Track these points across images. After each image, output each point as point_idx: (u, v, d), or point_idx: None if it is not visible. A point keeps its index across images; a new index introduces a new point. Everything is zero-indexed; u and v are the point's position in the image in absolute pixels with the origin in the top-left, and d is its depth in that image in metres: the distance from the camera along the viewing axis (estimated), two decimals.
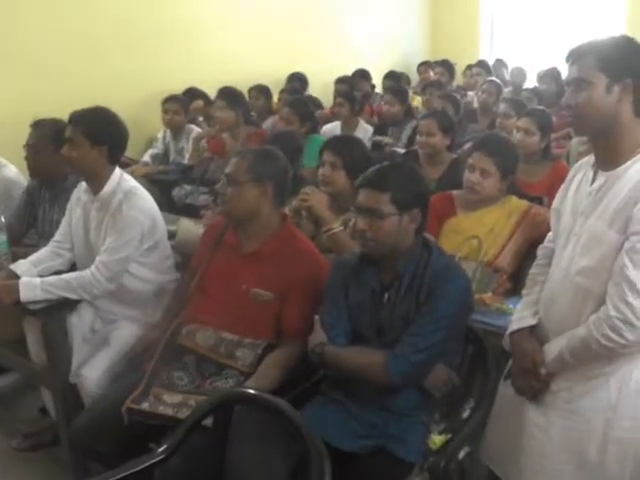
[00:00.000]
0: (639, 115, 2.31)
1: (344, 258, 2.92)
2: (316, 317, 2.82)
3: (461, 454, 2.61)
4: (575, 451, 2.41)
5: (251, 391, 2.60)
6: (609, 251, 2.27)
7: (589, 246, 2.34)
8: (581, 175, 2.50)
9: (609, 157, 2.34)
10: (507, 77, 9.79)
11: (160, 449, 2.36)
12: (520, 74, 9.30)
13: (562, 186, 2.62)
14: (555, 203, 2.63)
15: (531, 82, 8.95)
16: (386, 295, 2.69)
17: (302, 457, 2.31)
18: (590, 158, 2.48)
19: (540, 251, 2.77)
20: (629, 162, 2.29)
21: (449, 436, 2.60)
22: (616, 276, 2.23)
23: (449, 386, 2.71)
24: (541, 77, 8.59)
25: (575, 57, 2.32)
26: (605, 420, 2.36)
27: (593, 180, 2.40)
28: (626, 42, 2.31)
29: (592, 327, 2.28)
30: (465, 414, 2.72)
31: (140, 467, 2.31)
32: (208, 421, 2.50)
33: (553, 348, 2.43)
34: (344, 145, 3.74)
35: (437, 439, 2.56)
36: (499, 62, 10.28)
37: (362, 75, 9.03)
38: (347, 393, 2.73)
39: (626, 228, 2.22)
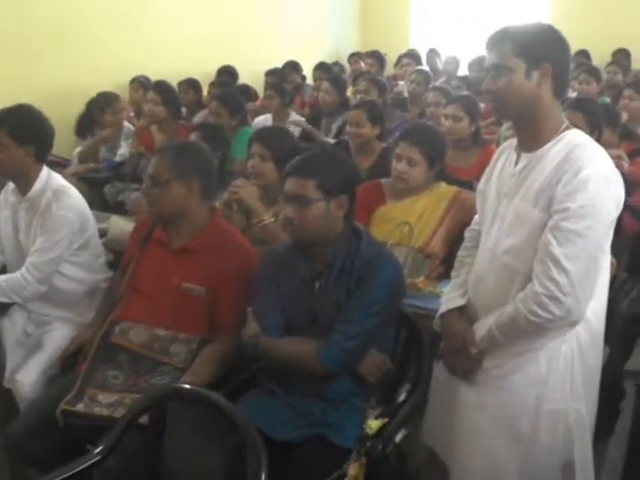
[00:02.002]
0: (559, 97, 2.38)
1: (274, 248, 2.93)
2: (249, 309, 2.82)
3: (398, 437, 2.63)
4: (508, 426, 2.46)
5: (186, 386, 2.58)
6: (534, 230, 2.33)
7: (514, 226, 2.39)
8: (505, 157, 2.55)
9: (531, 139, 2.39)
10: (440, 66, 9.90)
11: (97, 450, 2.32)
12: (453, 63, 9.41)
13: (487, 169, 2.67)
14: (480, 185, 2.68)
15: (465, 71, 9.05)
16: (317, 284, 2.71)
17: (239, 450, 2.31)
18: (513, 141, 2.54)
19: (467, 233, 2.82)
20: (550, 143, 2.35)
21: (385, 420, 2.61)
22: (541, 254, 2.28)
23: (383, 371, 2.73)
24: (471, 65, 8.71)
25: (494, 43, 2.36)
26: (536, 394, 2.42)
27: (516, 162, 2.45)
28: (543, 28, 2.37)
29: (519, 304, 2.33)
30: (401, 397, 2.74)
31: (77, 469, 2.27)
32: (144, 419, 2.48)
33: (482, 327, 2.47)
34: (272, 137, 3.73)
35: (374, 424, 2.57)
36: (432, 52, 10.37)
37: (292, 67, 9.03)
38: (283, 383, 2.74)
39: (549, 207, 2.28)
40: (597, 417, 2.95)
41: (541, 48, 2.31)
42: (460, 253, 2.80)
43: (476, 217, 2.77)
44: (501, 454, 2.47)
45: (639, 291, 3.62)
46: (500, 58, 2.32)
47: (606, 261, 2.42)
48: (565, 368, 2.40)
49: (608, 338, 3.24)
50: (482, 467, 2.50)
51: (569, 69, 2.42)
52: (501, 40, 2.33)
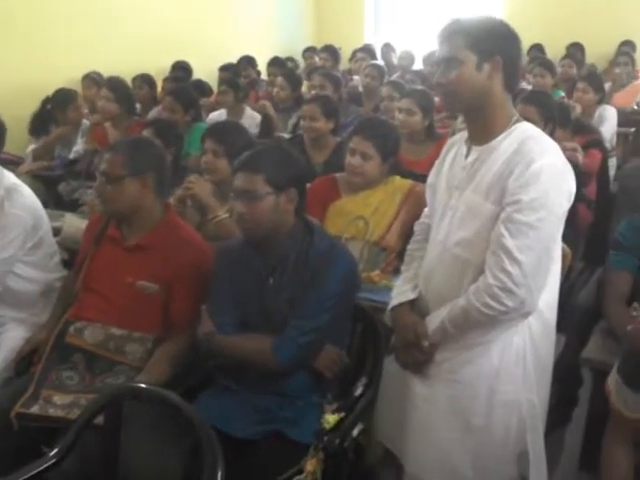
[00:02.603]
0: (510, 91, 2.40)
1: (227, 244, 2.92)
2: (203, 306, 2.81)
3: (355, 431, 2.64)
4: (461, 419, 2.47)
5: (141, 386, 2.55)
6: (485, 222, 2.34)
7: (466, 218, 2.40)
8: (455, 150, 2.56)
9: (482, 132, 2.41)
10: (395, 61, 9.92)
11: (52, 453, 2.30)
12: (408, 57, 9.44)
13: (436, 162, 2.68)
14: (430, 178, 2.68)
15: (420, 65, 9.08)
16: (271, 279, 2.71)
17: (195, 449, 2.30)
18: (464, 134, 2.54)
19: (417, 227, 2.82)
20: (501, 136, 2.37)
21: (343, 414, 2.62)
22: (494, 246, 2.30)
23: (339, 365, 2.74)
24: (425, 60, 8.74)
25: (444, 36, 2.37)
26: (489, 386, 2.43)
27: (467, 155, 2.46)
28: (494, 22, 2.38)
29: (472, 297, 2.34)
30: (358, 391, 2.75)
31: (32, 473, 2.24)
32: (100, 419, 2.46)
33: (434, 320, 2.47)
34: (225, 132, 3.72)
35: (331, 418, 2.57)
36: (387, 46, 10.41)
37: (247, 62, 8.99)
38: (239, 380, 2.73)
39: (501, 199, 2.30)
40: (555, 405, 2.99)
41: (492, 41, 2.32)
42: (410, 247, 2.80)
43: (426, 210, 2.78)
44: (454, 447, 2.47)
45: (595, 281, 3.66)
46: (451, 51, 2.33)
47: (558, 252, 2.44)
48: (517, 359, 2.42)
49: (565, 327, 3.32)
50: (436, 461, 2.51)
51: (520, 62, 2.44)
52: (452, 33, 2.34)
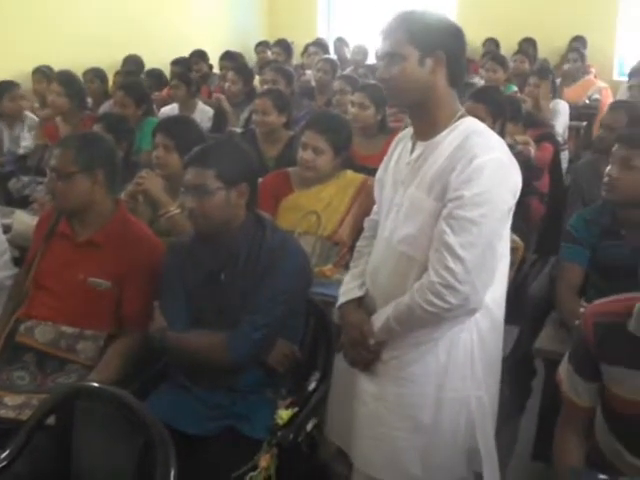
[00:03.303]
0: (453, 86, 2.38)
1: (178, 240, 2.91)
2: (156, 303, 2.79)
3: (309, 426, 2.65)
4: (409, 417, 2.44)
5: (93, 385, 2.54)
6: (428, 219, 2.32)
7: (409, 215, 2.38)
8: (402, 146, 2.54)
9: (426, 127, 2.39)
10: (348, 55, 9.94)
11: (3, 455, 2.26)
12: (361, 52, 9.42)
13: (384, 157, 2.66)
14: (378, 174, 2.67)
15: (374, 60, 9.09)
16: (223, 275, 2.69)
17: (148, 447, 2.28)
18: (410, 129, 2.53)
19: (366, 223, 2.80)
20: (445, 131, 2.35)
21: (296, 409, 2.63)
22: (436, 242, 2.27)
23: (292, 360, 2.75)
24: (377, 54, 8.72)
25: (387, 32, 2.34)
26: (437, 384, 2.41)
27: (412, 150, 2.44)
28: (437, 17, 2.37)
29: (416, 294, 2.31)
30: (311, 386, 2.76)
31: None
32: (51, 420, 2.43)
33: (380, 318, 2.44)
34: (176, 127, 3.69)
35: (284, 414, 2.57)
36: (340, 40, 10.40)
37: (199, 56, 8.93)
38: (192, 377, 2.72)
39: (443, 195, 2.27)
40: (510, 396, 3.01)
41: (434, 36, 2.30)
42: (359, 243, 2.78)
43: (375, 206, 2.77)
44: (403, 445, 2.45)
45: (548, 273, 3.69)
46: (393, 46, 2.30)
47: (505, 248, 2.43)
48: (465, 356, 2.40)
49: (518, 319, 3.35)
50: (384, 459, 2.49)
51: (464, 57, 2.43)
52: (394, 29, 2.32)
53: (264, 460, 2.46)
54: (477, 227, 2.22)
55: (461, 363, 2.40)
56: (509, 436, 3.56)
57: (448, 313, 2.29)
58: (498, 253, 2.34)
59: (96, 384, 2.52)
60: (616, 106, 4.39)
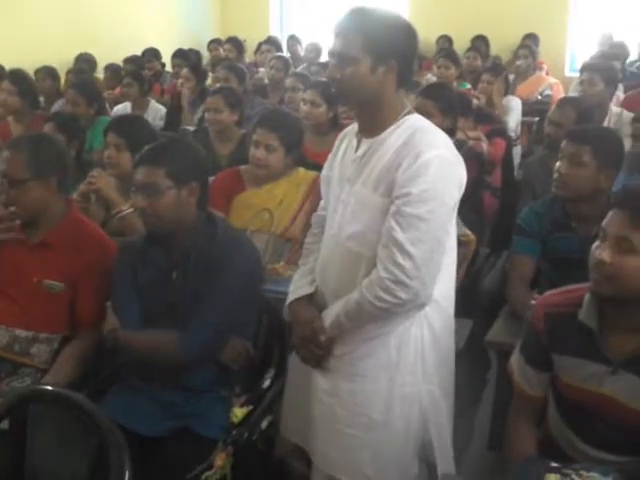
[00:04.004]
0: (401, 87, 2.39)
1: (130, 240, 2.90)
2: (108, 303, 2.77)
3: (264, 424, 2.65)
4: (361, 414, 2.45)
5: (46, 388, 2.52)
6: (376, 215, 2.33)
7: (356, 211, 2.39)
8: (346, 143, 2.55)
9: (371, 124, 2.40)
10: (301, 53, 9.94)
11: None
12: (314, 50, 9.44)
13: (330, 154, 2.67)
14: (324, 171, 2.67)
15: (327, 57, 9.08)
16: (175, 273, 2.68)
17: (103, 449, 2.26)
18: (355, 126, 2.54)
19: (313, 220, 2.80)
20: (390, 128, 2.36)
21: (251, 407, 2.63)
22: (385, 239, 2.29)
23: (246, 358, 2.74)
24: (329, 52, 8.73)
25: (342, 32, 2.33)
26: (388, 379, 2.42)
27: (357, 147, 2.45)
28: (393, 21, 2.35)
29: (365, 290, 2.32)
30: (266, 383, 2.76)
31: None
32: (5, 424, 2.40)
33: (330, 314, 2.45)
34: (127, 125, 3.67)
35: (239, 412, 2.57)
36: (292, 38, 10.39)
37: (152, 54, 8.91)
38: (146, 377, 2.70)
39: (390, 192, 2.29)
40: (465, 388, 3.03)
41: (389, 44, 2.30)
42: (307, 240, 2.78)
43: (322, 203, 2.77)
44: (356, 444, 2.46)
45: (501, 266, 3.73)
46: (347, 48, 2.29)
47: (452, 242, 2.46)
48: (416, 351, 2.42)
49: (472, 312, 3.38)
50: (341, 457, 2.50)
51: (415, 60, 2.46)
52: (350, 30, 2.31)
53: (219, 459, 2.45)
54: (425, 223, 2.24)
55: (412, 358, 2.42)
56: (465, 427, 3.59)
57: (398, 308, 2.31)
58: (446, 248, 2.37)
59: (50, 387, 2.50)
60: (564, 102, 4.42)
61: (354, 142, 2.47)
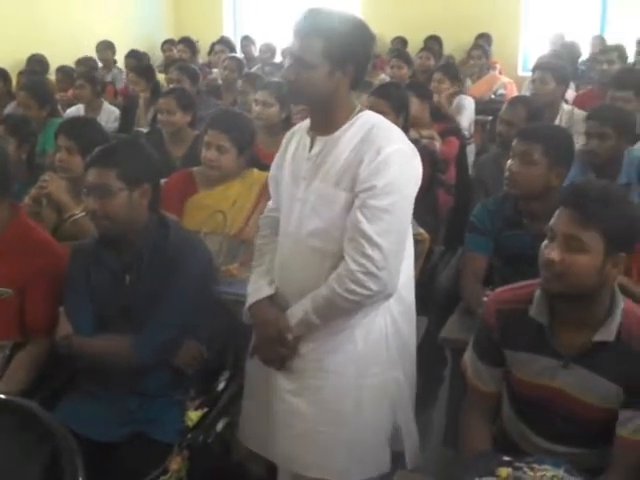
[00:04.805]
0: (354, 89, 2.43)
1: (82, 243, 2.87)
2: (61, 308, 2.74)
3: (219, 426, 2.64)
4: (331, 409, 2.47)
5: None
6: (340, 210, 2.36)
7: (317, 208, 2.41)
8: (296, 141, 2.56)
9: (325, 123, 2.43)
10: (256, 53, 9.92)
11: None
12: (268, 50, 9.44)
13: (277, 154, 2.67)
14: (272, 171, 2.68)
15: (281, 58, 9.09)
16: (127, 277, 2.67)
17: (57, 457, 2.24)
18: (303, 124, 2.57)
19: (262, 222, 2.80)
20: (345, 125, 2.39)
21: (206, 410, 2.62)
22: (351, 232, 2.32)
23: (200, 361, 2.73)
24: (285, 52, 8.75)
25: (302, 33, 2.33)
26: (356, 371, 2.45)
27: (311, 146, 2.46)
28: (353, 25, 2.36)
29: (334, 284, 2.34)
30: (220, 386, 2.75)
31: None
32: None
33: (296, 312, 2.45)
34: (78, 128, 3.63)
35: (193, 415, 2.56)
36: (246, 39, 10.37)
37: (106, 45, 8.90)
38: (100, 382, 2.68)
39: (353, 187, 2.32)
40: (422, 385, 3.04)
41: (348, 51, 2.32)
42: (258, 242, 2.77)
43: (269, 204, 2.78)
44: (327, 440, 2.47)
45: (456, 263, 3.76)
46: (306, 53, 2.30)
47: (410, 235, 2.51)
48: (380, 340, 2.46)
49: (428, 309, 3.40)
50: (311, 456, 2.50)
51: (369, 63, 2.48)
52: (311, 33, 2.31)
53: (175, 463, 2.44)
54: (390, 215, 2.29)
55: (377, 348, 2.46)
56: (423, 424, 3.61)
57: (369, 300, 2.35)
58: (407, 239, 2.43)
59: (2, 395, 2.44)
60: (514, 101, 4.48)
61: (306, 140, 2.49)
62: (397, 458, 2.57)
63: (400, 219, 2.35)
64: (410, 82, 5.75)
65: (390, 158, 2.30)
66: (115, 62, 9.07)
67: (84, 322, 2.68)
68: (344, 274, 2.33)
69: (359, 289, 2.31)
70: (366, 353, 2.45)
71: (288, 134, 2.66)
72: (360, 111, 2.43)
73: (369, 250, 2.28)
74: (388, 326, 2.48)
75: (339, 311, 2.40)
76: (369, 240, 2.28)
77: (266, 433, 2.59)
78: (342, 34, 2.31)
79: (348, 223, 2.33)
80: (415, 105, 5.10)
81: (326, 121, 2.42)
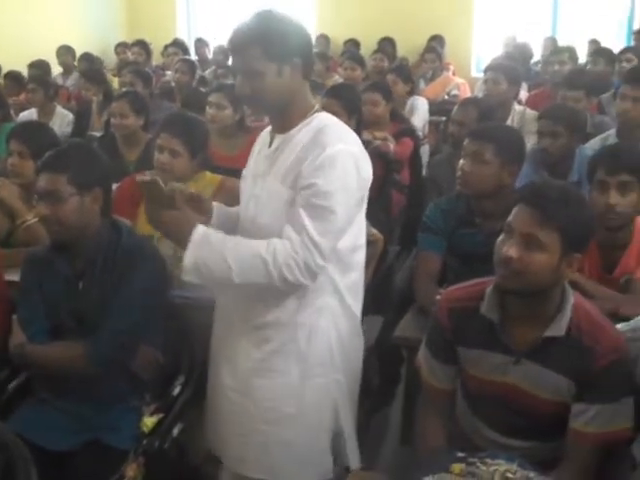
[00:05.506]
0: (306, 78, 2.43)
1: (34, 250, 2.84)
2: (14, 316, 2.71)
3: (175, 431, 2.63)
4: (274, 408, 2.47)
5: None
6: (282, 207, 2.36)
7: (266, 204, 2.42)
8: (262, 141, 2.58)
9: (282, 122, 2.44)
10: (209, 56, 9.89)
11: None
12: (221, 52, 9.40)
13: (250, 154, 2.68)
14: (244, 170, 2.69)
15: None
16: (80, 283, 2.65)
17: (10, 467, 2.21)
18: None
19: None
20: (300, 125, 2.40)
21: (161, 416, 2.61)
22: (296, 225, 2.29)
23: (155, 366, 2.72)
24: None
25: (238, 49, 2.33)
26: (299, 371, 2.45)
27: (271, 143, 2.48)
28: (284, 22, 2.35)
29: (277, 253, 2.27)
30: (176, 391, 2.73)
31: None
32: None
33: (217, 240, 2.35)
34: (30, 132, 3.61)
35: (149, 421, 2.55)
36: (200, 41, 10.35)
37: (66, 50, 8.85)
38: (55, 390, 2.67)
39: (296, 183, 2.33)
40: (379, 384, 3.05)
41: (289, 45, 2.32)
42: None
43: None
44: (270, 440, 2.47)
45: (411, 263, 3.77)
46: (249, 64, 2.30)
47: (361, 238, 2.50)
48: (323, 342, 2.46)
49: (383, 309, 3.41)
50: (254, 455, 2.50)
51: (312, 50, 2.50)
52: (246, 43, 2.31)
53: (131, 470, 2.43)
54: (332, 215, 2.28)
55: (320, 349, 2.46)
56: (380, 423, 3.63)
57: (289, 287, 2.32)
58: (351, 241, 2.41)
59: None
60: (466, 102, 4.54)
61: (268, 139, 2.51)
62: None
63: (342, 219, 2.32)
64: (375, 83, 5.73)
65: (335, 157, 2.29)
66: (76, 67, 8.98)
67: (38, 330, 2.65)
68: (288, 251, 2.26)
69: (289, 276, 2.25)
70: (309, 353, 2.45)
71: (262, 133, 2.64)
72: (317, 111, 2.44)
73: (311, 246, 2.26)
74: (330, 328, 2.46)
75: (258, 275, 2.29)
76: (311, 239, 2.26)
77: (216, 431, 2.61)
78: (274, 31, 2.31)
79: (291, 218, 2.31)
80: (381, 106, 5.20)
81: (283, 120, 2.43)
